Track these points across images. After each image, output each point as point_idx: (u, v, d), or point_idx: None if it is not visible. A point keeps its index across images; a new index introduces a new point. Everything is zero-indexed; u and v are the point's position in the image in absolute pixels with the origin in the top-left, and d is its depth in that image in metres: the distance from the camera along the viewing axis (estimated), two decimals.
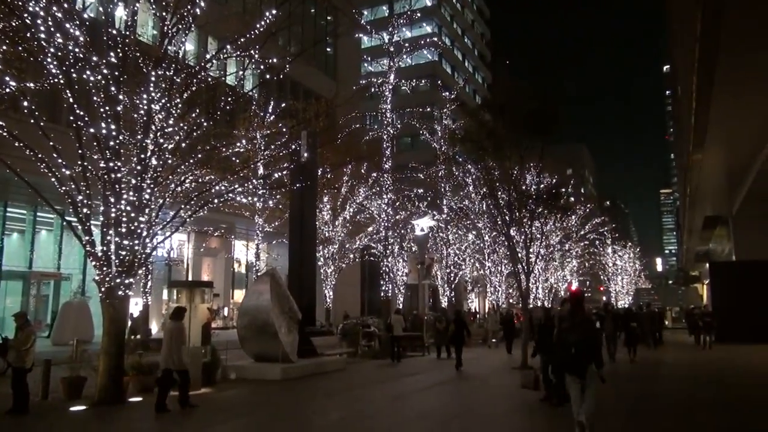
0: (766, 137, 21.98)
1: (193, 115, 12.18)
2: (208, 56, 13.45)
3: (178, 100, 11.23)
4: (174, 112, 11.14)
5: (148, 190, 10.72)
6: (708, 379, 13.91)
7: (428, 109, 30.86)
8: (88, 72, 10.06)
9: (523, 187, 18.37)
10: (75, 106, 9.99)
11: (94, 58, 10.16)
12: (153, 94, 10.75)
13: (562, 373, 7.54)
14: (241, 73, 14.28)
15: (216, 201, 12.90)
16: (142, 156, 10.63)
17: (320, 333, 18.29)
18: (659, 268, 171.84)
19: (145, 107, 10.69)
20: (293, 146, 16.62)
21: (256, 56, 12.48)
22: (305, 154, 16.36)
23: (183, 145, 11.74)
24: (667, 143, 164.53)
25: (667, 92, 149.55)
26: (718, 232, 48.32)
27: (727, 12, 13.34)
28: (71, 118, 10.18)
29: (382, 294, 24.10)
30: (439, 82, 52.97)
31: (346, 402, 10.81)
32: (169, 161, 11.59)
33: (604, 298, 70.08)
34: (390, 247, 25.08)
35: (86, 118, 10.14)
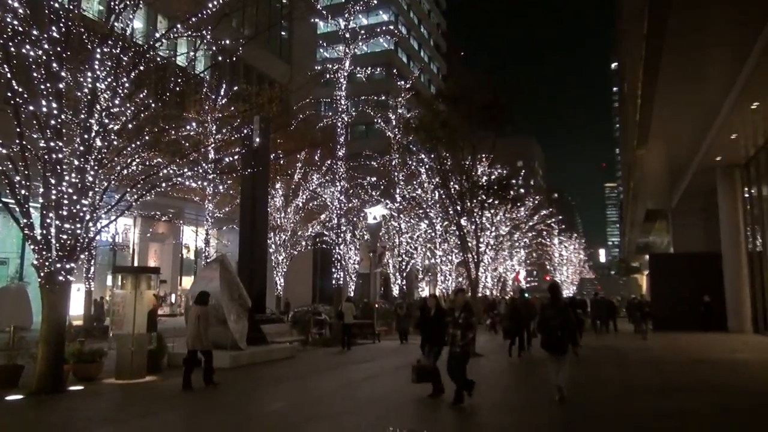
0: (704, 136, 23.01)
1: (141, 95, 11.79)
2: (157, 35, 12.98)
3: (125, 80, 10.83)
4: (120, 91, 10.74)
5: (92, 172, 10.33)
6: (644, 364, 14.56)
7: (383, 98, 30.79)
8: (27, 47, 9.57)
9: (475, 178, 18.69)
10: (13, 82, 9.49)
11: (35, 32, 9.67)
12: (98, 73, 10.33)
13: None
14: (192, 54, 13.88)
15: (164, 185, 12.55)
16: (86, 136, 10.22)
17: (270, 320, 18.15)
18: (602, 259, 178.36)
19: (90, 86, 10.27)
20: (245, 131, 16.33)
21: (208, 37, 12.17)
22: (257, 140, 16.10)
23: (130, 126, 11.36)
24: (613, 139, 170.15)
25: (615, 89, 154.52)
26: (658, 225, 50.47)
27: (673, 13, 13.85)
28: (9, 94, 9.67)
29: (333, 282, 24.06)
30: (394, 70, 53.01)
31: (294, 389, 10.79)
32: (115, 143, 11.19)
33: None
34: (342, 235, 25.06)
35: (25, 95, 9.66)
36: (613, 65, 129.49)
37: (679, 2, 13.34)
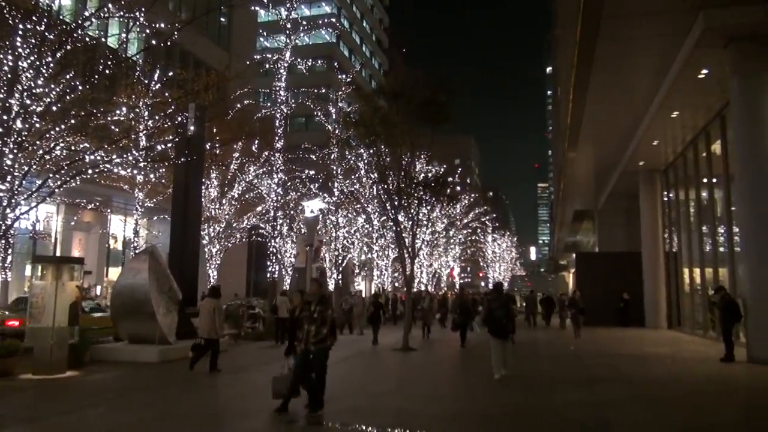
0: (629, 141, 24.22)
1: (68, 76, 11.20)
2: (86, 14, 12.34)
3: (50, 59, 10.26)
4: (45, 71, 10.17)
5: (11, 156, 9.75)
6: (568, 358, 15.21)
7: (323, 91, 30.56)
8: None
9: (413, 174, 18.87)
10: None
11: None
12: (20, 50, 9.73)
13: None
14: (124, 36, 13.30)
15: (90, 171, 12.00)
16: (5, 117, 9.62)
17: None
18: (533, 256, 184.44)
19: (11, 63, 9.66)
20: (180, 118, 15.82)
21: (142, 19, 11.70)
22: (192, 128, 15.65)
23: (54, 108, 10.77)
24: (547, 140, 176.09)
25: (549, 92, 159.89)
26: (585, 225, 52.69)
27: (603, 24, 14.49)
28: None
29: (268, 275, 23.72)
30: (335, 64, 52.74)
31: (225, 384, 10.61)
32: (37, 125, 10.59)
33: (483, 284, 74.04)
34: (279, 228, 24.74)
35: None
36: (548, 69, 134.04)
37: (608, 14, 13.97)
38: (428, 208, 19.28)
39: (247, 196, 25.71)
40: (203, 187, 21.06)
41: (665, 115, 19.36)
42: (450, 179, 24.88)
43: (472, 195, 55.59)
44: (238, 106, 24.19)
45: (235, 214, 25.24)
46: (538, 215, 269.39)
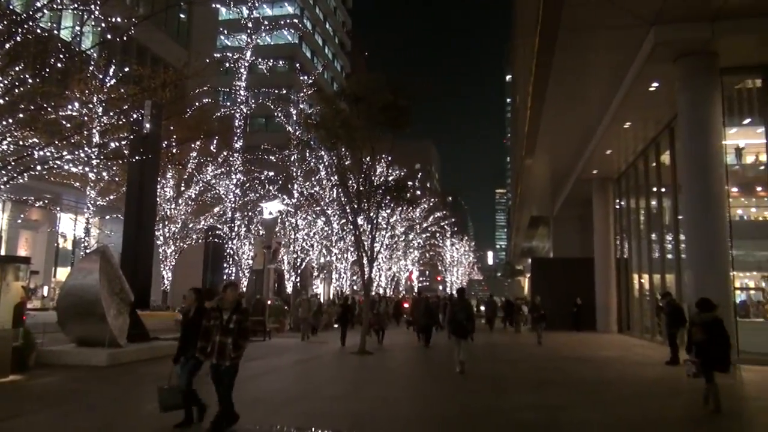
0: (583, 150, 24.90)
1: (17, 68, 10.80)
2: (38, 5, 11.93)
3: None
4: None
5: None
6: (521, 361, 15.50)
7: (285, 92, 30.32)
8: None
9: (373, 178, 18.92)
10: None
11: None
12: None
13: None
14: (78, 29, 12.91)
15: (39, 168, 11.58)
16: None
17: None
18: (490, 261, 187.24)
19: None
20: (135, 115, 15.44)
21: (97, 12, 11.39)
22: (148, 125, 15.29)
23: (1, 101, 10.37)
24: (505, 147, 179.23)
25: (508, 100, 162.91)
26: (541, 230, 53.85)
27: (560, 35, 14.88)
28: None
29: (225, 277, 23.35)
30: (297, 65, 52.42)
31: None
32: None
33: (440, 288, 74.70)
34: (236, 229, 24.41)
35: None
36: (508, 77, 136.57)
37: (565, 26, 14.37)
38: (388, 211, 19.40)
39: (204, 197, 25.27)
40: (159, 187, 20.61)
41: (618, 126, 20.00)
42: (410, 183, 25.03)
43: (432, 199, 56.11)
44: (197, 104, 23.78)
45: (191, 214, 24.77)
46: (495, 220, 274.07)
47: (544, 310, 20.91)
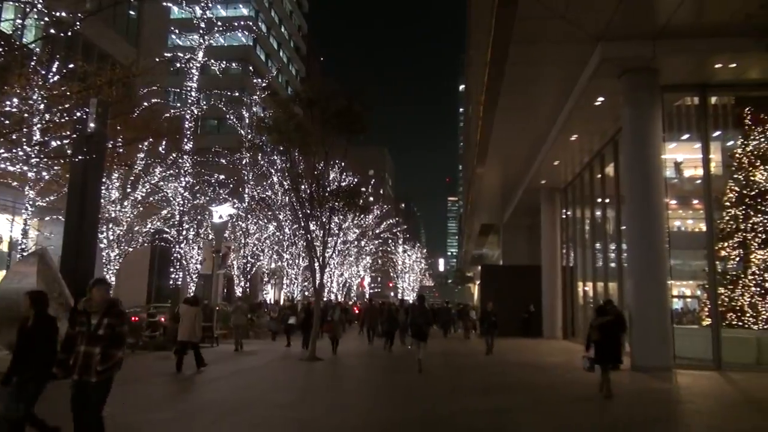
0: (532, 160, 25.54)
1: None
2: None
3: None
4: None
5: None
6: (470, 367, 15.71)
7: (237, 94, 29.85)
8: None
9: (326, 183, 18.84)
10: None
11: None
12: None
13: None
14: (19, 21, 12.36)
15: None
16: None
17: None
18: (441, 268, 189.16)
19: None
20: (79, 113, 14.88)
21: (40, 6, 10.94)
22: (92, 124, 14.77)
23: None
24: (458, 155, 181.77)
25: (461, 109, 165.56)
26: (491, 238, 54.82)
27: (512, 47, 15.25)
28: None
29: (172, 282, 22.72)
30: (251, 68, 51.74)
31: (119, 396, 9.97)
32: None
33: (392, 294, 74.92)
34: (185, 233, 23.79)
35: None
36: (461, 87, 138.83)
37: (517, 39, 14.73)
38: (340, 217, 19.33)
39: (151, 199, 24.53)
40: (103, 188, 19.90)
41: (565, 138, 20.62)
42: (363, 189, 25.04)
43: (385, 206, 56.31)
44: (146, 104, 23.09)
45: (137, 217, 24.00)
46: (447, 228, 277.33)
47: (495, 316, 19.69)
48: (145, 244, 26.55)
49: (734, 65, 14.58)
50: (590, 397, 11.04)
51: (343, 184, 24.31)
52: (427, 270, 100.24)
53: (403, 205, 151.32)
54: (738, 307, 15.99)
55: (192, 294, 19.85)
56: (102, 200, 19.56)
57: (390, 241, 62.91)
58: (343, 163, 20.89)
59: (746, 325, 15.76)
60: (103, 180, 19.45)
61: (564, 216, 28.81)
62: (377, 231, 52.69)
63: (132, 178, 23.24)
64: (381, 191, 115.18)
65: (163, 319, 21.05)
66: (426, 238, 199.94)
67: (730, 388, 12.34)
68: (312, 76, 72.80)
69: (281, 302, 37.20)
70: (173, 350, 13.79)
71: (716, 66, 14.70)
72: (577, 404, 10.35)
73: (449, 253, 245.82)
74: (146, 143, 23.10)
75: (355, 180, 33.91)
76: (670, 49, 14.26)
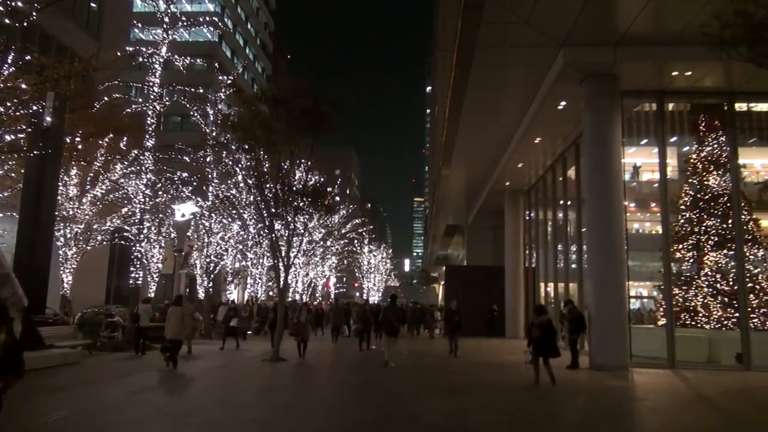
0: (497, 162, 25.88)
1: None
2: None
3: None
4: None
5: None
6: (434, 367, 15.82)
7: (202, 91, 29.34)
8: None
9: (292, 182, 18.69)
10: None
11: None
12: None
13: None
14: None
15: None
16: None
17: (50, 322, 16.23)
18: (407, 268, 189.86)
19: None
20: (35, 107, 14.43)
21: None
22: (49, 118, 14.34)
23: None
24: (424, 156, 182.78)
25: (428, 111, 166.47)
26: (456, 239, 55.33)
27: (479, 51, 15.43)
28: None
29: (131, 281, 22.19)
30: (216, 64, 51.02)
31: (75, 399, 9.75)
32: None
33: (357, 294, 74.85)
34: (145, 231, 23.27)
35: None
36: (429, 89, 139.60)
37: (482, 43, 14.92)
38: (306, 217, 19.22)
39: (111, 196, 23.93)
40: (60, 184, 19.34)
41: (529, 141, 20.98)
42: (329, 189, 24.94)
43: (351, 206, 56.23)
44: (106, 99, 22.53)
45: (96, 214, 23.39)
46: (413, 228, 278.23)
47: (459, 316, 18.93)
48: (104, 243, 25.91)
49: (690, 73, 15.08)
50: (550, 396, 11.26)
51: (309, 183, 24.20)
52: (393, 270, 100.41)
53: (369, 205, 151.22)
54: (691, 308, 16.55)
55: (175, 295, 19.41)
56: (59, 197, 19.03)
57: (356, 241, 62.80)
58: (309, 162, 20.77)
59: (699, 325, 16.33)
60: (61, 176, 18.91)
61: (527, 217, 29.28)
62: (343, 231, 52.56)
63: (91, 174, 22.66)
64: (347, 191, 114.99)
65: (121, 319, 20.59)
66: (392, 239, 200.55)
67: (682, 386, 12.75)
68: (278, 74, 72.23)
69: (245, 302, 36.78)
70: (160, 349, 14.34)
71: (673, 74, 15.18)
72: (538, 403, 10.55)
73: (415, 254, 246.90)
74: (106, 139, 22.55)
75: (321, 179, 33.74)
76: (630, 57, 14.66)
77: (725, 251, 16.48)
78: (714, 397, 11.45)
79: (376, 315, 20.51)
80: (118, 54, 25.12)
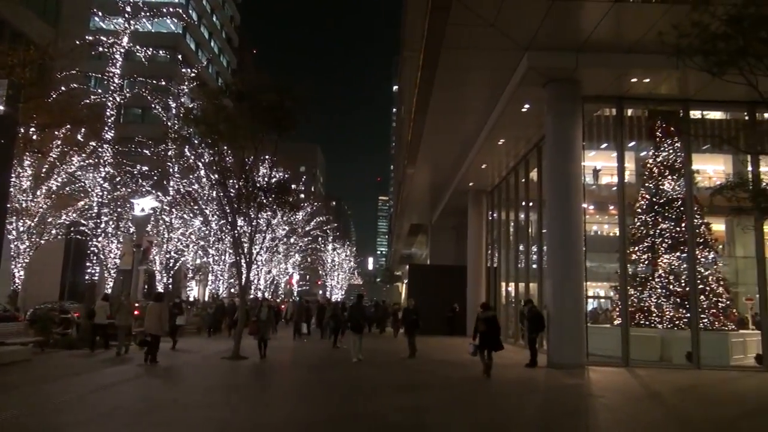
0: (461, 162, 26.14)
1: None
2: None
3: None
4: None
5: None
6: (394, 365, 15.88)
7: (164, 83, 28.72)
8: None
9: (256, 178, 18.49)
10: None
11: None
12: None
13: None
14: None
15: None
16: None
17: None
18: (371, 267, 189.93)
19: None
20: None
21: None
22: (1, 107, 13.81)
23: None
24: (390, 155, 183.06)
25: (394, 110, 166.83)
26: (420, 238, 55.61)
27: (445, 52, 15.55)
28: None
29: (87, 277, 21.58)
30: (180, 56, 49.98)
31: (24, 397, 9.44)
32: None
33: (320, 292, 74.55)
34: (103, 225, 22.66)
35: None
36: (395, 88, 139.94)
37: (449, 44, 15.04)
38: (269, 213, 19.03)
39: (67, 189, 23.23)
40: (13, 176, 18.68)
41: (493, 142, 21.25)
42: (293, 186, 24.74)
43: (315, 203, 55.96)
44: (63, 88, 21.84)
45: (51, 208, 22.66)
46: (377, 227, 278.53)
47: (417, 314, 17.93)
48: (60, 237, 25.14)
49: (648, 80, 15.52)
50: (508, 393, 11.47)
51: (273, 180, 23.98)
52: (356, 268, 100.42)
53: (334, 202, 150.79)
54: (646, 308, 17.06)
55: (158, 291, 19.06)
56: (11, 189, 18.38)
57: (320, 238, 62.54)
58: (273, 159, 20.58)
59: (652, 325, 16.84)
60: (13, 167, 18.25)
61: (490, 218, 29.66)
62: (307, 228, 52.27)
63: (46, 166, 21.93)
64: (312, 188, 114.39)
65: (77, 315, 20.01)
66: (356, 237, 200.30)
67: (635, 383, 13.13)
68: (244, 69, 71.23)
69: (206, 299, 36.22)
70: (138, 342, 14.99)
71: (632, 80, 15.60)
72: (496, 400, 10.72)
73: (379, 252, 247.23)
74: (63, 130, 21.88)
75: (286, 176, 33.47)
76: (591, 62, 15.00)
77: (678, 254, 17.04)
78: (664, 394, 11.83)
79: (342, 313, 21.17)
80: (77, 43, 24.40)
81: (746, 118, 16.77)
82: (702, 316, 16.13)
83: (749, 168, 15.52)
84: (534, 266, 21.62)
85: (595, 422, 9.08)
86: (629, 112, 17.81)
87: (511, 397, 11.05)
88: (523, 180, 23.10)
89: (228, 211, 17.14)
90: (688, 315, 16.11)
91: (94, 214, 22.14)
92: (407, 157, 28.73)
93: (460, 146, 24.04)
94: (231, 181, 17.17)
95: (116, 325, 16.41)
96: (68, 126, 22.02)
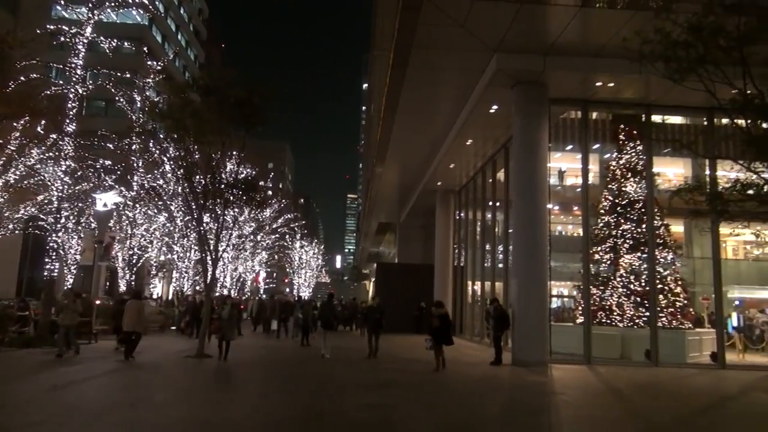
0: (430, 162, 26.30)
1: None
2: None
3: None
4: None
5: None
6: (362, 363, 15.90)
7: (129, 76, 28.04)
8: None
9: (223, 174, 18.23)
10: None
11: None
12: None
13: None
14: None
15: None
16: None
17: None
18: (338, 265, 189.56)
19: None
20: None
21: None
22: None
23: None
24: (358, 154, 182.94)
25: (364, 108, 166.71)
26: (388, 237, 55.77)
27: (415, 52, 15.61)
28: None
29: (46, 273, 20.97)
30: (145, 48, 48.93)
31: None
32: None
33: (287, 290, 74.06)
34: (63, 220, 22.03)
35: None
36: (365, 86, 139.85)
37: (419, 44, 15.11)
38: (236, 210, 18.82)
39: (25, 183, 22.51)
40: None
41: (461, 142, 21.44)
42: (261, 183, 24.51)
43: (283, 200, 55.52)
44: (23, 78, 21.14)
45: (9, 201, 21.94)
46: (346, 225, 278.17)
47: (382, 313, 17.08)
48: (17, 232, 24.38)
49: (612, 85, 15.88)
50: (473, 391, 11.60)
51: (241, 176, 23.70)
52: (324, 266, 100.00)
53: (302, 200, 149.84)
54: (607, 307, 17.48)
55: (134, 289, 19.20)
56: None
57: (287, 236, 62.07)
58: (241, 155, 20.33)
59: (613, 323, 17.27)
60: None
61: (457, 217, 29.92)
62: (275, 226, 51.83)
63: (3, 158, 21.22)
64: (280, 185, 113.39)
65: (35, 313, 19.45)
66: (324, 235, 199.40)
67: (596, 380, 13.44)
68: (211, 63, 70.22)
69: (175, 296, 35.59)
70: (117, 339, 15.33)
71: (597, 84, 15.94)
72: (461, 398, 10.83)
73: (347, 250, 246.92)
74: (22, 121, 21.18)
75: (253, 172, 33.12)
76: (558, 66, 15.27)
77: (639, 254, 17.50)
78: (624, 390, 12.15)
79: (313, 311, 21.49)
80: (38, 32, 23.64)
81: (705, 123, 17.32)
82: (660, 315, 16.61)
83: (707, 171, 16.04)
84: (500, 265, 21.91)
85: (557, 419, 9.26)
86: (594, 115, 18.20)
87: (475, 394, 11.19)
88: (491, 180, 23.38)
89: (194, 207, 16.88)
90: (648, 314, 16.56)
91: (53, 209, 21.51)
92: (376, 155, 28.76)
93: (428, 146, 24.18)
94: (197, 177, 16.90)
95: (60, 324, 15.23)
96: (27, 117, 21.34)
